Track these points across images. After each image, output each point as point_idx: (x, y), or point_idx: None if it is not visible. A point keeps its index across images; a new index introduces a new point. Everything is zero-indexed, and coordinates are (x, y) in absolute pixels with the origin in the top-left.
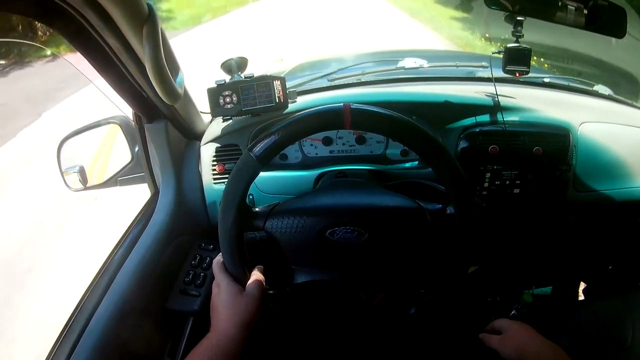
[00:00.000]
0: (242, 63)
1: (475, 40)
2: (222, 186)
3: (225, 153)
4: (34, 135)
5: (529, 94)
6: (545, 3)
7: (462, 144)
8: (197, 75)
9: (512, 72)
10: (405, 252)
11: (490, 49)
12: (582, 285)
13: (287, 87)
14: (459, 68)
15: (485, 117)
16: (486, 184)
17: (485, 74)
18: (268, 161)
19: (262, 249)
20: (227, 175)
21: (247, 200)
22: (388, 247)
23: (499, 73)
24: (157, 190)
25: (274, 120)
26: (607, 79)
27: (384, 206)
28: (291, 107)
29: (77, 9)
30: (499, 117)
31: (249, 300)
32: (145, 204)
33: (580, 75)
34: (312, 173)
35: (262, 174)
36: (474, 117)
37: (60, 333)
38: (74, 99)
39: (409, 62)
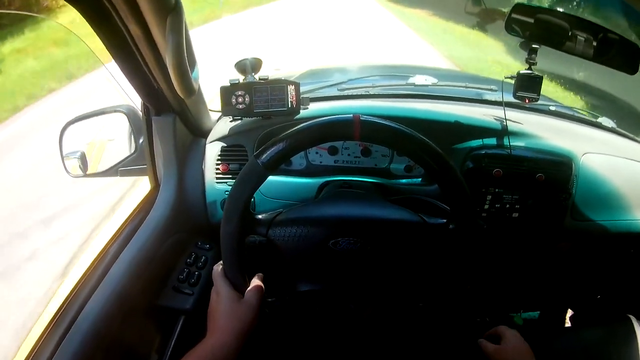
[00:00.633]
0: (256, 64)
1: (481, 63)
2: (224, 186)
3: (231, 153)
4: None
5: (536, 121)
6: (562, 33)
7: (468, 165)
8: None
9: (522, 98)
10: (407, 265)
11: (495, 74)
12: (570, 312)
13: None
14: (468, 89)
15: (492, 140)
16: (486, 206)
17: (494, 97)
18: (275, 168)
19: (263, 254)
20: (230, 175)
21: (250, 206)
22: (390, 260)
23: (508, 98)
24: (158, 184)
25: (283, 125)
26: (612, 112)
27: (388, 219)
28: (302, 113)
29: None
30: (506, 141)
31: (247, 308)
32: (144, 198)
33: (586, 106)
34: (316, 181)
35: None
36: (481, 139)
37: (49, 323)
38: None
39: (419, 79)
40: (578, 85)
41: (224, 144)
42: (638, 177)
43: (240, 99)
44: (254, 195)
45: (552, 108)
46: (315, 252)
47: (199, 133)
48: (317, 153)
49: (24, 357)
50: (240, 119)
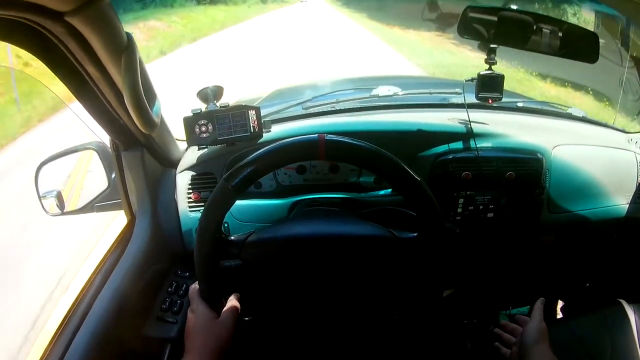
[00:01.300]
0: (217, 92)
1: (451, 67)
2: (198, 214)
3: (201, 181)
4: None
5: (503, 120)
6: (518, 31)
7: (435, 171)
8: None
9: (485, 99)
10: (380, 279)
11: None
12: (560, 303)
13: (262, 115)
14: (433, 95)
15: (458, 144)
16: (460, 209)
17: (459, 100)
18: (243, 191)
19: (238, 276)
20: (203, 203)
21: (222, 229)
22: (362, 275)
23: (472, 99)
24: (134, 217)
25: (249, 150)
26: (584, 101)
27: (358, 235)
28: (266, 136)
29: (59, 37)
30: (472, 143)
31: (223, 327)
32: (122, 231)
33: (556, 98)
34: (287, 201)
35: (237, 202)
36: (446, 145)
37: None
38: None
39: (382, 90)
40: (544, 78)
41: (194, 173)
42: (612, 163)
43: (203, 128)
44: (227, 220)
45: (520, 104)
46: (288, 271)
47: (169, 164)
48: (285, 174)
49: None
50: (207, 147)
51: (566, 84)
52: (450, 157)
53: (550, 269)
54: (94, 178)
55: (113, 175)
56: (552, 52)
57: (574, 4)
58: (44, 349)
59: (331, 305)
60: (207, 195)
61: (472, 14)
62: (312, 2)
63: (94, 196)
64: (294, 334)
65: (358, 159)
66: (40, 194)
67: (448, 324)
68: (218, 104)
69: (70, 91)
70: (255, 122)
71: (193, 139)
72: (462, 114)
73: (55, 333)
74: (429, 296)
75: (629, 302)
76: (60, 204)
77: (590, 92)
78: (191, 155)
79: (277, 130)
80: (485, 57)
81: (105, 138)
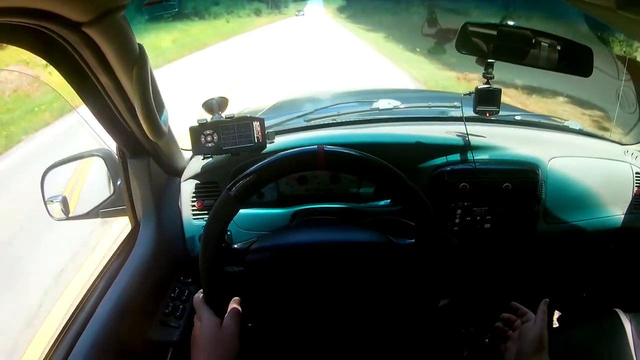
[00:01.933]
0: (222, 103)
1: (445, 80)
2: (201, 222)
3: (205, 190)
4: None
5: (501, 133)
6: (517, 46)
7: (434, 183)
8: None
9: (483, 112)
10: (379, 285)
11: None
12: (557, 313)
13: (265, 127)
14: (432, 108)
15: (456, 156)
16: (457, 220)
17: (457, 113)
18: (246, 200)
19: (241, 282)
20: (206, 212)
21: (225, 237)
22: (362, 281)
23: (470, 113)
24: (138, 223)
25: (252, 160)
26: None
27: (356, 241)
28: (269, 147)
29: (74, 46)
30: (469, 155)
31: (228, 334)
32: (126, 238)
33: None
34: (288, 211)
35: (240, 211)
36: (445, 157)
37: None
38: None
39: (383, 104)
40: (544, 92)
41: (198, 182)
42: (608, 174)
43: (209, 138)
44: (231, 228)
45: (518, 117)
46: (290, 278)
47: (174, 172)
48: (287, 184)
49: None
50: (211, 157)
51: (562, 97)
52: (449, 168)
53: (547, 279)
54: (93, 185)
55: (118, 182)
56: (550, 66)
57: (568, 19)
58: (47, 351)
59: (331, 310)
60: (211, 203)
61: (471, 29)
62: (310, 15)
63: (99, 202)
64: (295, 340)
65: (356, 169)
66: (46, 199)
67: (445, 333)
68: (223, 115)
69: (81, 98)
70: (260, 133)
71: (198, 148)
72: (460, 127)
73: (59, 335)
74: (426, 302)
75: (625, 311)
76: (65, 209)
77: (587, 106)
78: (196, 164)
79: (280, 141)
80: (483, 71)
81: (111, 145)
